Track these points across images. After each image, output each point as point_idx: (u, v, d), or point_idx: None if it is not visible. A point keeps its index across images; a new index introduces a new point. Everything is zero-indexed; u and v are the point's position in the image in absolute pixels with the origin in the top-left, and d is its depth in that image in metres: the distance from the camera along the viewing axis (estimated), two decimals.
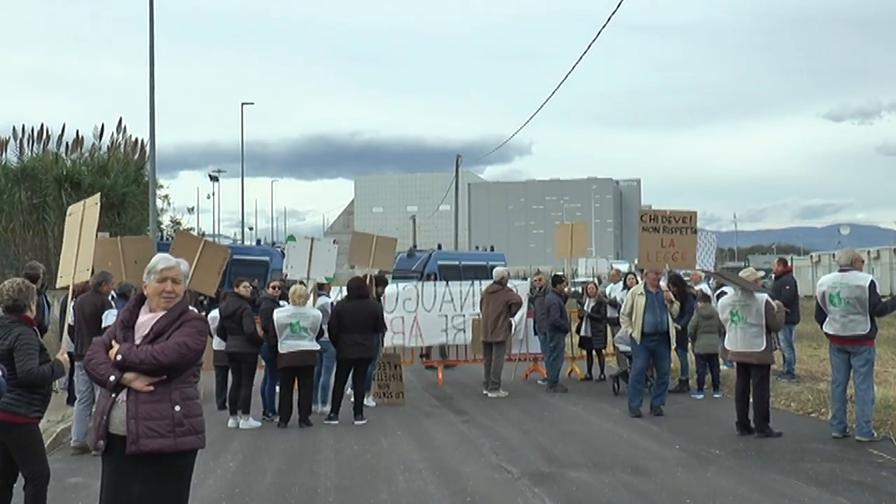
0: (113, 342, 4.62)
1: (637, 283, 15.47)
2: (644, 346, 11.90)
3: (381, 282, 14.52)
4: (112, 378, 4.50)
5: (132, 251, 13.48)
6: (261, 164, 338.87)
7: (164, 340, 4.58)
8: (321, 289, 13.68)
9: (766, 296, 10.37)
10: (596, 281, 22.44)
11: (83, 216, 8.54)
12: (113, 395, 4.53)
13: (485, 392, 14.25)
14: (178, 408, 4.53)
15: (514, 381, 15.77)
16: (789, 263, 15.18)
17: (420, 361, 16.86)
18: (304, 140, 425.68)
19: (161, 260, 4.77)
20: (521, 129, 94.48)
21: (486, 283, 15.38)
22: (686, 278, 15.28)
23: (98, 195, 9.23)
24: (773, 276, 14.51)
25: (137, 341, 4.59)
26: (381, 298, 14.06)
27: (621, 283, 16.31)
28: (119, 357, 4.51)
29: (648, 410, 11.90)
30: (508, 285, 15.75)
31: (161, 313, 4.67)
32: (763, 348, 10.16)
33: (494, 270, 15.09)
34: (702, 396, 13.52)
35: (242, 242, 56.65)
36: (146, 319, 4.67)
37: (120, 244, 13.98)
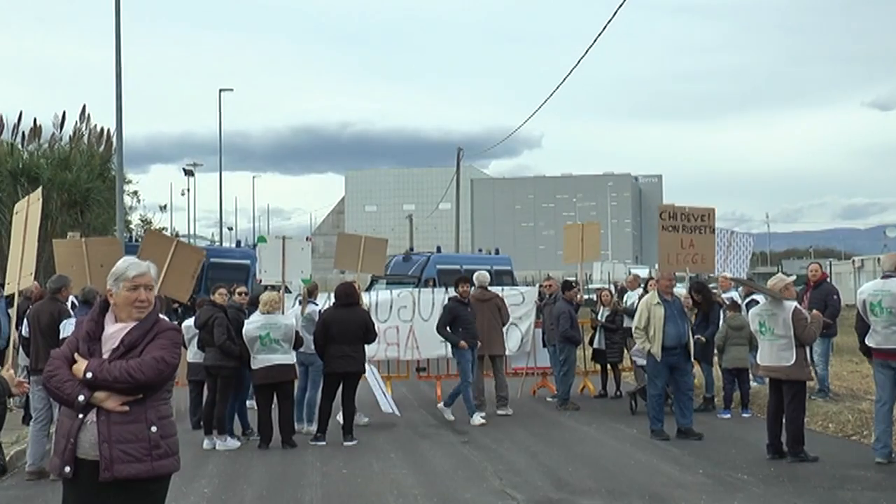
0: (76, 356, 4.56)
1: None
2: (665, 362, 11.85)
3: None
4: (81, 398, 4.45)
5: (97, 253, 13.50)
6: (241, 158, 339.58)
7: (136, 354, 4.55)
8: (310, 296, 13.68)
9: (794, 304, 10.37)
10: (612, 288, 22.45)
11: (27, 214, 8.53)
12: (80, 416, 4.48)
13: (473, 421, 14.15)
14: (154, 428, 4.51)
15: (521, 399, 15.78)
16: (823, 269, 15.08)
17: (416, 376, 16.86)
18: (290, 131, 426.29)
19: (131, 265, 4.71)
20: (530, 119, 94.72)
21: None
22: (712, 285, 15.29)
23: (39, 190, 9.21)
24: (809, 284, 14.38)
25: (105, 355, 4.55)
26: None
27: (640, 290, 16.30)
28: (89, 374, 4.46)
29: (675, 434, 11.86)
30: (507, 291, 15.78)
31: (132, 324, 4.64)
32: (792, 362, 10.15)
33: (476, 275, 14.96)
34: (729, 416, 13.53)
35: (221, 244, 56.69)
36: (115, 331, 4.62)
37: (85, 246, 13.99)
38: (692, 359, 12.25)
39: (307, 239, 15.02)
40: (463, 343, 13.56)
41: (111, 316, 4.70)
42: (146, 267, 4.75)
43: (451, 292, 16.57)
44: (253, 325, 11.72)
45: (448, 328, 13.76)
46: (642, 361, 14.10)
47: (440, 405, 13.93)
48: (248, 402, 13.02)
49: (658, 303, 11.90)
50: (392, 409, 13.30)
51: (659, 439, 11.61)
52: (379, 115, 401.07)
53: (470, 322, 13.79)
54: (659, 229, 14.34)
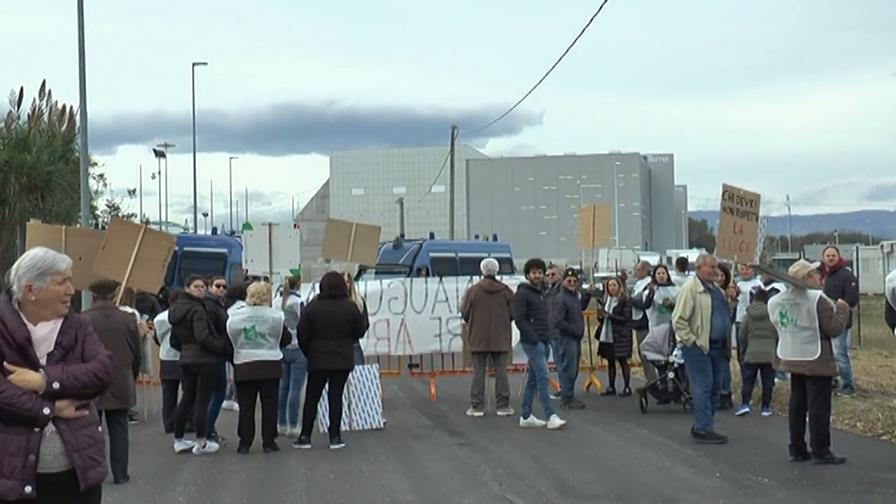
0: (7, 366, 4.45)
1: (663, 277, 15.55)
2: (708, 356, 11.76)
3: None
4: (47, 410, 4.44)
5: (77, 245, 13.47)
6: (217, 138, 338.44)
7: (75, 356, 4.60)
8: (292, 287, 13.67)
9: (819, 292, 10.38)
10: (619, 275, 22.43)
11: None
12: (37, 429, 4.47)
13: (469, 412, 14.25)
14: (99, 427, 4.73)
15: (522, 397, 15.76)
16: (841, 255, 15.09)
17: (408, 373, 16.87)
18: (270, 109, 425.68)
19: (58, 258, 4.74)
20: (530, 94, 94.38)
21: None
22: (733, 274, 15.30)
23: None
24: (824, 270, 14.39)
25: (42, 360, 4.54)
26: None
27: (648, 280, 16.33)
28: (56, 385, 4.45)
29: (691, 434, 11.85)
30: (507, 280, 15.76)
31: (59, 322, 4.64)
32: (817, 356, 10.15)
33: (484, 263, 14.97)
34: (747, 410, 13.50)
35: (196, 231, 56.57)
36: (46, 332, 4.60)
37: (64, 235, 14.01)
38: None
39: (295, 226, 15.00)
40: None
41: (23, 317, 4.60)
42: (65, 257, 4.80)
43: (447, 283, 16.64)
44: (238, 316, 11.72)
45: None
46: (654, 356, 14.14)
47: (524, 422, 13.21)
48: (224, 403, 13.01)
49: (703, 290, 11.76)
50: (376, 423, 13.15)
51: (713, 442, 11.41)
52: (366, 90, 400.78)
53: (543, 312, 13.69)
54: (721, 210, 14.58)
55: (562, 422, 12.94)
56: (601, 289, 17.41)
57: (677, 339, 12.16)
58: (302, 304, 12.90)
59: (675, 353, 13.88)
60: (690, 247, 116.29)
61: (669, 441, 11.74)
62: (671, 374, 13.97)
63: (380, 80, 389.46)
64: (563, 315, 14.82)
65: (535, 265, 14.04)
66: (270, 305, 12.32)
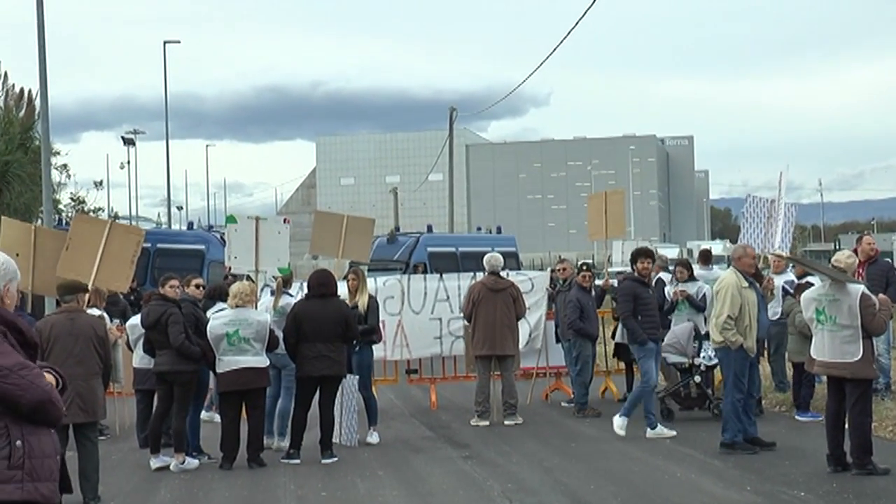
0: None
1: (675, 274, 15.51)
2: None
3: None
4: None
5: (46, 247, 13.51)
6: (193, 124, 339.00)
7: None
8: (285, 286, 13.63)
9: (861, 287, 10.36)
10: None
11: None
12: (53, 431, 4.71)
13: (474, 422, 14.27)
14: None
15: (532, 405, 15.79)
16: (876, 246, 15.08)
17: (406, 379, 16.86)
18: (251, 91, 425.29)
19: (7, 260, 4.94)
20: (536, 71, 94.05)
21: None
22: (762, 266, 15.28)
23: None
24: (860, 260, 14.35)
25: None
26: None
27: (666, 275, 16.30)
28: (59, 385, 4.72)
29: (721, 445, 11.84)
30: (514, 276, 15.73)
31: None
32: (859, 357, 10.12)
33: (488, 258, 14.95)
34: (815, 418, 13.27)
35: (170, 226, 56.57)
36: None
37: (34, 235, 14.04)
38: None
39: (285, 221, 14.99)
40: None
41: None
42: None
43: (448, 280, 16.61)
44: (220, 320, 11.67)
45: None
46: (677, 359, 14.10)
47: (618, 424, 12.86)
48: (203, 414, 13.00)
49: (748, 286, 11.69)
50: (350, 441, 13.06)
51: (746, 452, 11.38)
52: (357, 70, 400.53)
53: (652, 307, 13.40)
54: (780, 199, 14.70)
55: (671, 433, 12.73)
56: (617, 285, 17.40)
57: (714, 339, 11.88)
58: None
59: (701, 354, 13.86)
60: (713, 238, 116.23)
61: (695, 451, 11.73)
62: (697, 378, 13.95)
63: (371, 58, 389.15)
64: (578, 314, 14.79)
65: (642, 254, 13.78)
66: (255, 307, 12.29)
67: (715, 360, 13.84)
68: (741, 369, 11.62)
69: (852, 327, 10.14)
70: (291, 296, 13.57)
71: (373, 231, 16.98)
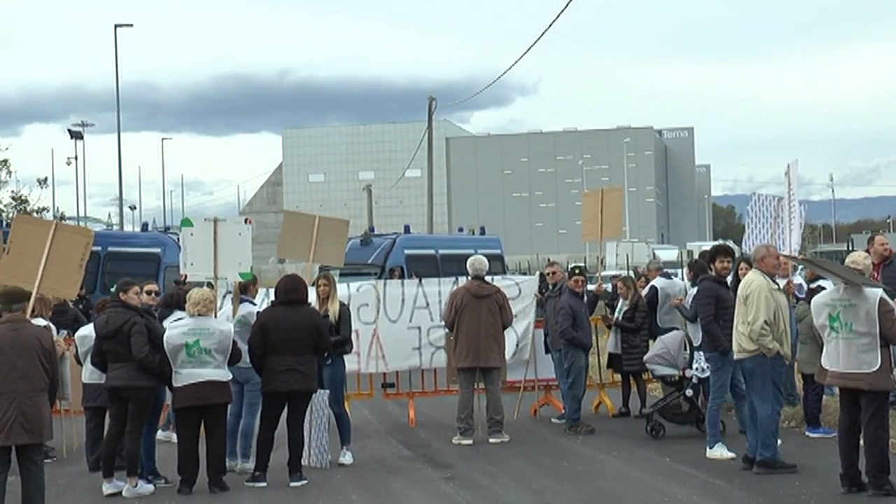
0: None
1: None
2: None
3: None
4: None
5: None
6: (147, 115, 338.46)
7: None
8: (243, 292, 13.58)
9: (879, 291, 10.35)
10: (631, 274, 22.44)
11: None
12: None
13: (456, 440, 14.28)
14: None
15: (519, 421, 15.78)
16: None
17: (382, 394, 16.82)
18: (211, 80, 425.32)
19: None
20: (522, 57, 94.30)
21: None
22: None
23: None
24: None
25: None
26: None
27: (662, 280, 16.34)
28: None
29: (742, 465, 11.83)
30: (499, 281, 15.72)
31: None
32: (877, 367, 10.13)
33: (471, 261, 14.94)
34: (828, 434, 13.22)
35: (122, 228, 56.45)
36: None
37: None
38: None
39: (247, 221, 14.94)
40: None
41: None
42: None
43: (428, 285, 16.57)
44: (178, 329, 11.58)
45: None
46: (666, 371, 14.13)
47: (719, 453, 12.61)
48: (159, 434, 12.92)
49: (778, 288, 11.72)
50: (320, 462, 13.02)
51: (784, 471, 11.38)
52: (328, 58, 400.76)
53: (731, 312, 12.97)
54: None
55: (730, 455, 12.50)
56: (611, 290, 17.39)
57: (745, 348, 11.64)
58: (258, 313, 12.80)
59: (694, 365, 13.87)
60: (715, 238, 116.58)
61: (696, 471, 11.74)
62: (689, 392, 13.98)
63: (344, 43, 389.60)
64: (570, 322, 14.79)
65: (722, 252, 13.66)
66: (215, 316, 12.22)
67: (709, 373, 13.88)
68: (779, 377, 11.67)
69: (870, 335, 10.14)
70: (253, 303, 13.49)
71: (347, 234, 16.92)
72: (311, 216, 16.11)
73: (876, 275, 13.84)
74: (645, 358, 14.89)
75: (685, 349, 14.06)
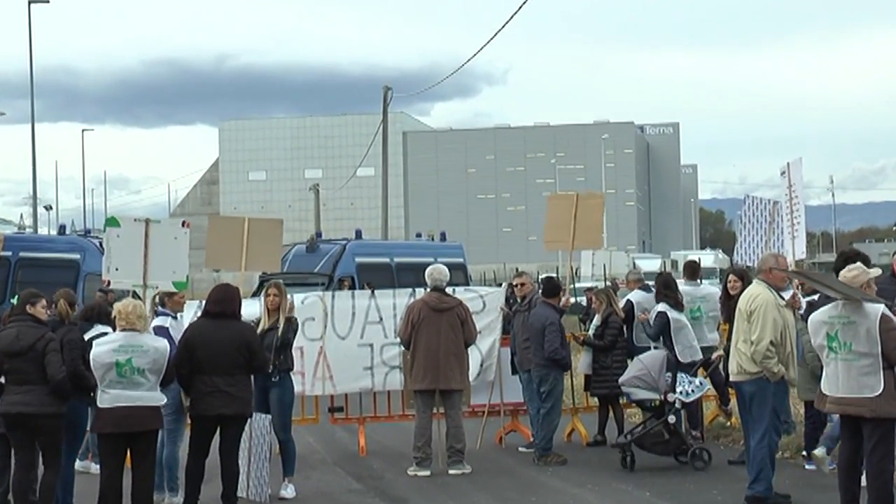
0: None
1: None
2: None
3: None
4: None
5: None
6: (67, 103, 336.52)
7: None
8: (162, 304, 13.48)
9: (880, 307, 10.36)
10: (609, 285, 22.54)
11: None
12: None
13: (412, 471, 14.29)
14: None
15: (482, 450, 15.80)
16: None
17: (329, 419, 16.79)
18: (140, 65, 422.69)
19: None
20: (490, 43, 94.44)
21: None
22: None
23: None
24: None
25: None
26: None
27: (641, 293, 16.43)
28: None
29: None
30: (461, 293, 15.74)
31: None
32: (879, 392, 10.14)
33: (430, 271, 14.99)
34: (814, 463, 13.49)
35: (36, 231, 56.06)
36: None
37: None
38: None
39: (184, 224, 14.88)
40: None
41: None
42: None
43: (381, 297, 16.56)
44: (106, 345, 11.40)
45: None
46: (646, 395, 14.17)
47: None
48: (77, 464, 12.81)
49: (784, 303, 11.75)
50: (259, 496, 13.00)
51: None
52: (271, 41, 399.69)
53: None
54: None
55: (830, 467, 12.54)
56: (584, 304, 17.45)
57: (747, 369, 11.62)
58: (167, 328, 12.70)
59: (677, 389, 13.92)
60: (702, 246, 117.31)
61: None
62: (671, 418, 14.02)
63: (290, 26, 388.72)
64: (559, 340, 14.87)
65: (852, 260, 13.60)
66: (148, 330, 12.13)
67: (694, 396, 13.95)
68: (781, 404, 11.77)
69: (871, 355, 10.15)
70: (169, 315, 13.31)
71: (281, 234, 16.87)
72: (240, 219, 16.14)
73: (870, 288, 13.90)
74: (621, 380, 14.81)
75: (666, 370, 14.08)
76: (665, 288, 15.56)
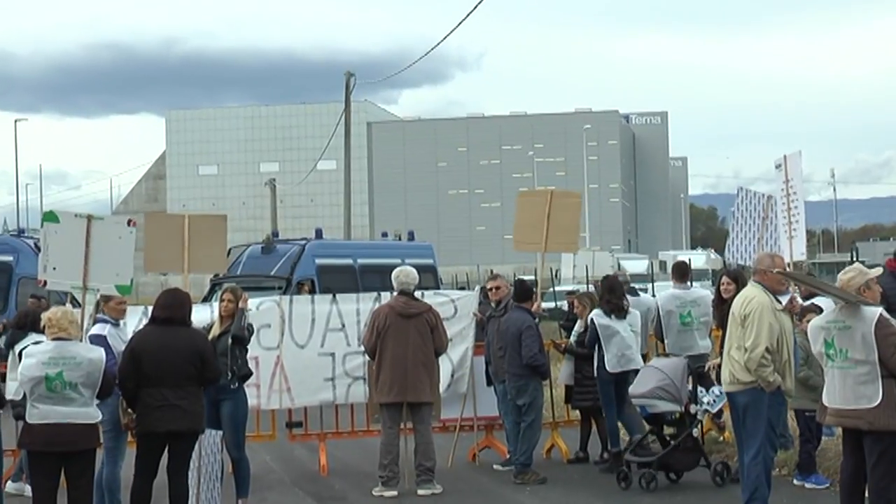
0: None
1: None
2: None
3: None
4: None
5: None
6: None
7: None
8: (102, 311, 13.46)
9: (878, 310, 10.40)
10: (590, 289, 22.58)
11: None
12: None
13: (377, 491, 14.31)
14: None
15: (454, 468, 15.83)
16: None
17: (286, 435, 16.78)
18: (81, 50, 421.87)
19: None
20: (461, 25, 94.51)
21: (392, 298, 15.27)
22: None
23: None
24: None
25: None
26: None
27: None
28: None
29: None
30: (430, 298, 15.76)
31: None
32: (878, 402, 10.18)
33: (396, 273, 15.05)
34: (823, 485, 13.54)
35: None
36: None
37: None
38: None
39: (130, 223, 14.88)
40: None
41: None
42: None
43: (343, 302, 16.57)
44: (35, 357, 11.37)
45: None
46: (666, 407, 14.15)
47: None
48: (9, 486, 12.79)
49: (781, 308, 11.72)
50: None
51: None
52: (224, 24, 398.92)
53: None
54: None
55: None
56: (567, 308, 17.48)
57: (740, 379, 11.59)
58: (104, 336, 12.67)
59: (705, 399, 13.91)
60: (693, 246, 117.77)
61: None
62: (695, 431, 14.06)
63: (244, 8, 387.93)
64: (537, 346, 14.91)
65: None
66: (81, 340, 12.08)
67: (718, 405, 13.94)
68: (777, 417, 11.77)
69: (868, 363, 10.18)
70: (110, 322, 13.28)
71: (226, 231, 16.82)
72: (179, 216, 16.13)
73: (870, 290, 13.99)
74: (636, 391, 14.51)
75: (689, 379, 14.06)
76: (609, 292, 15.54)
